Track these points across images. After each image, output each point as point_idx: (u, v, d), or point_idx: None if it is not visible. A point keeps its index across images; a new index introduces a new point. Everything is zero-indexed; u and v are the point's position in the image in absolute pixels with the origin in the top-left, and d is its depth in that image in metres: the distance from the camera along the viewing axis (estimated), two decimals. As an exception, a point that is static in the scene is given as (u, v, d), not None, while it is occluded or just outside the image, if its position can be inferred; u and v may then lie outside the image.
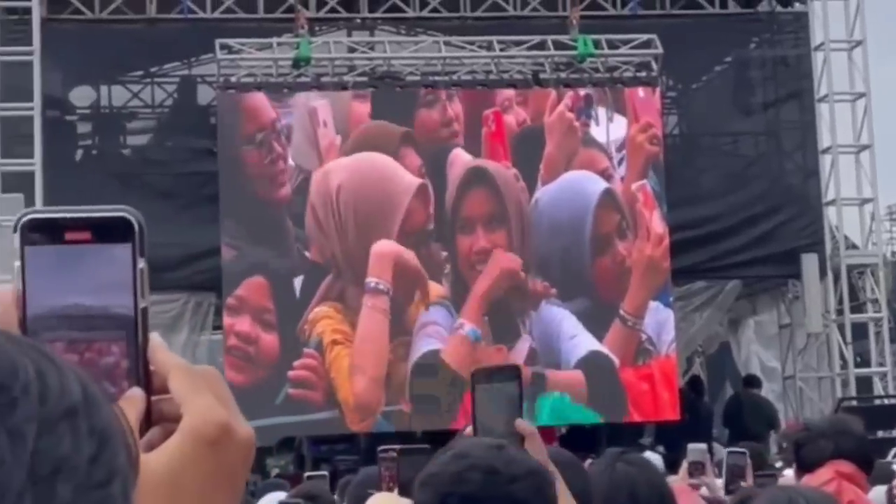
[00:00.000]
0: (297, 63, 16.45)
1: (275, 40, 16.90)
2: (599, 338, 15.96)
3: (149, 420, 1.21)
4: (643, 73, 16.90)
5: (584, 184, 16.26)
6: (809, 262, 17.32)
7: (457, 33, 17.41)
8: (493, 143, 16.17)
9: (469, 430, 3.06)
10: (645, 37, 16.90)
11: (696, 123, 18.85)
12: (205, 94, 17.53)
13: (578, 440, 14.78)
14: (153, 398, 1.22)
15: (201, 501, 1.19)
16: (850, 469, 5.22)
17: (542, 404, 15.50)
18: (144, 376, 1.21)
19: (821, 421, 6.68)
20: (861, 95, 18.01)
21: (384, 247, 15.55)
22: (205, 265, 15.88)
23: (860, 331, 18.09)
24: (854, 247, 18.63)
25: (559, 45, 17.01)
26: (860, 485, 5.25)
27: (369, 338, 15.45)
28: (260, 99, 15.92)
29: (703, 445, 6.72)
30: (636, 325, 16.09)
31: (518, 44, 17.09)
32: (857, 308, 18.15)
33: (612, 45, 16.98)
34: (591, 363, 15.90)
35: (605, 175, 16.30)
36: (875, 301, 18.07)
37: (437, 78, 16.69)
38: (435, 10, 17.82)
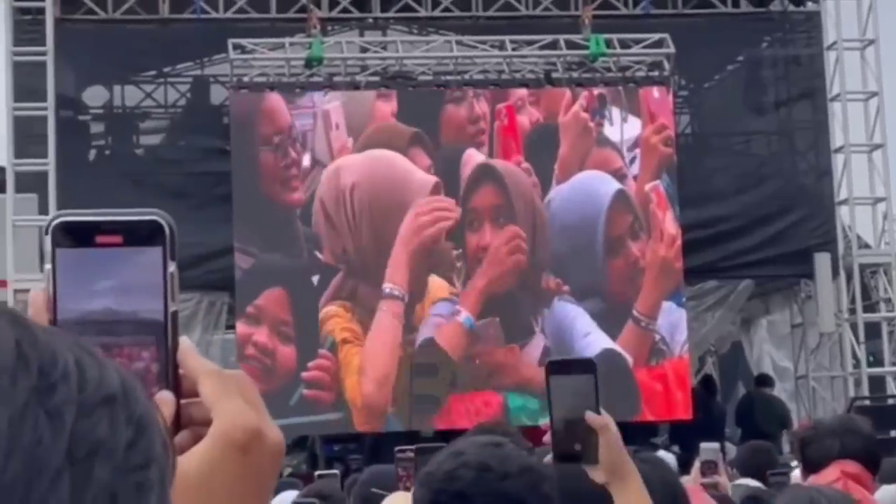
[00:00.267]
0: (309, 63, 16.44)
1: (287, 40, 16.89)
2: (613, 339, 15.93)
3: (178, 424, 1.21)
4: (655, 73, 16.86)
5: (597, 185, 16.21)
6: (822, 261, 17.27)
7: (469, 33, 17.39)
8: (505, 137, 16.14)
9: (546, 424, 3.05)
10: (657, 36, 16.86)
11: (708, 123, 18.80)
12: (217, 94, 17.55)
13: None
14: (182, 402, 1.22)
15: (230, 505, 1.19)
16: (855, 469, 5.20)
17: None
18: (174, 380, 1.22)
19: (829, 420, 6.67)
20: (874, 94, 17.95)
21: (402, 254, 15.55)
22: (217, 265, 15.86)
23: (873, 330, 18.04)
24: (867, 246, 18.58)
25: (571, 45, 16.97)
26: (866, 485, 5.23)
27: (380, 341, 15.43)
28: (276, 101, 15.90)
29: (716, 444, 6.75)
30: (650, 326, 16.05)
31: (530, 43, 17.06)
32: (870, 307, 18.10)
33: (625, 44, 16.95)
34: (606, 361, 15.85)
35: (618, 175, 16.26)
36: (888, 300, 18.01)
37: (449, 77, 16.68)
38: (447, 9, 17.81)
